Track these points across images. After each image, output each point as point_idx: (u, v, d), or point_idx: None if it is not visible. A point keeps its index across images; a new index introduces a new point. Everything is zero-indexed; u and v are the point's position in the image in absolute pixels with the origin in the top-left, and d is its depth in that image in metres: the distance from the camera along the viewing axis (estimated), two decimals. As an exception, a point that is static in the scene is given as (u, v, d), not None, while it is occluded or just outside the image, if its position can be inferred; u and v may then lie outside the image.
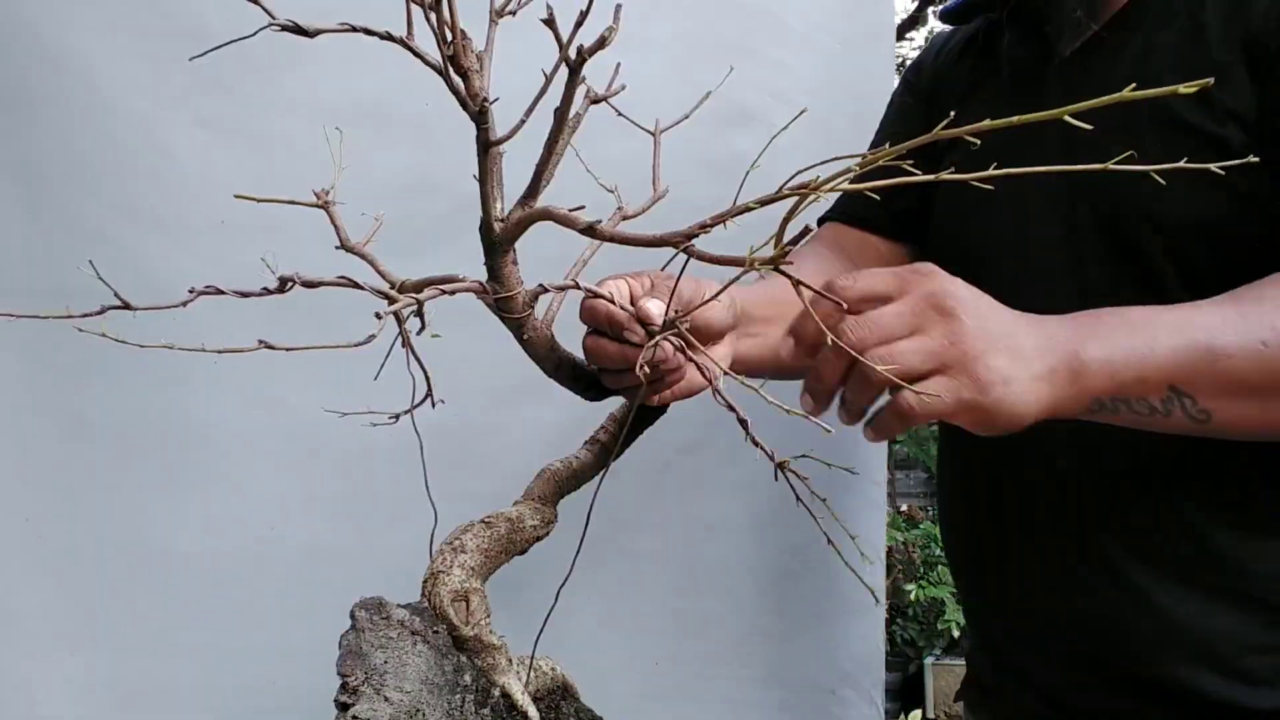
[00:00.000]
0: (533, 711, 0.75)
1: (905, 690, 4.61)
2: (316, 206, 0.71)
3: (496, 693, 0.74)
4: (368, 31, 0.55)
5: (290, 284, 0.63)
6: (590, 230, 0.58)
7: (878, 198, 1.05)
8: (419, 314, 0.72)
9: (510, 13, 0.62)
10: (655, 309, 0.73)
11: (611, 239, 0.60)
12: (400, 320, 0.72)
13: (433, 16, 0.55)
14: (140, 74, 1.37)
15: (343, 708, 0.66)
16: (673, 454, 1.50)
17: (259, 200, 0.64)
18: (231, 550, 1.41)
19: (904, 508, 5.37)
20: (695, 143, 1.40)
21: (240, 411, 1.41)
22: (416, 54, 0.56)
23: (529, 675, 0.80)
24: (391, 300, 0.65)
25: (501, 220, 0.64)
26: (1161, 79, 0.84)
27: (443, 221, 1.39)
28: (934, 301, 0.68)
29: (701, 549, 1.54)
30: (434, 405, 0.79)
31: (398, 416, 0.82)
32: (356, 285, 0.66)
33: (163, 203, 1.38)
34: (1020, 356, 0.68)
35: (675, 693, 1.50)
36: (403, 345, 0.74)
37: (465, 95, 0.57)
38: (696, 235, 0.56)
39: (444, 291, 0.67)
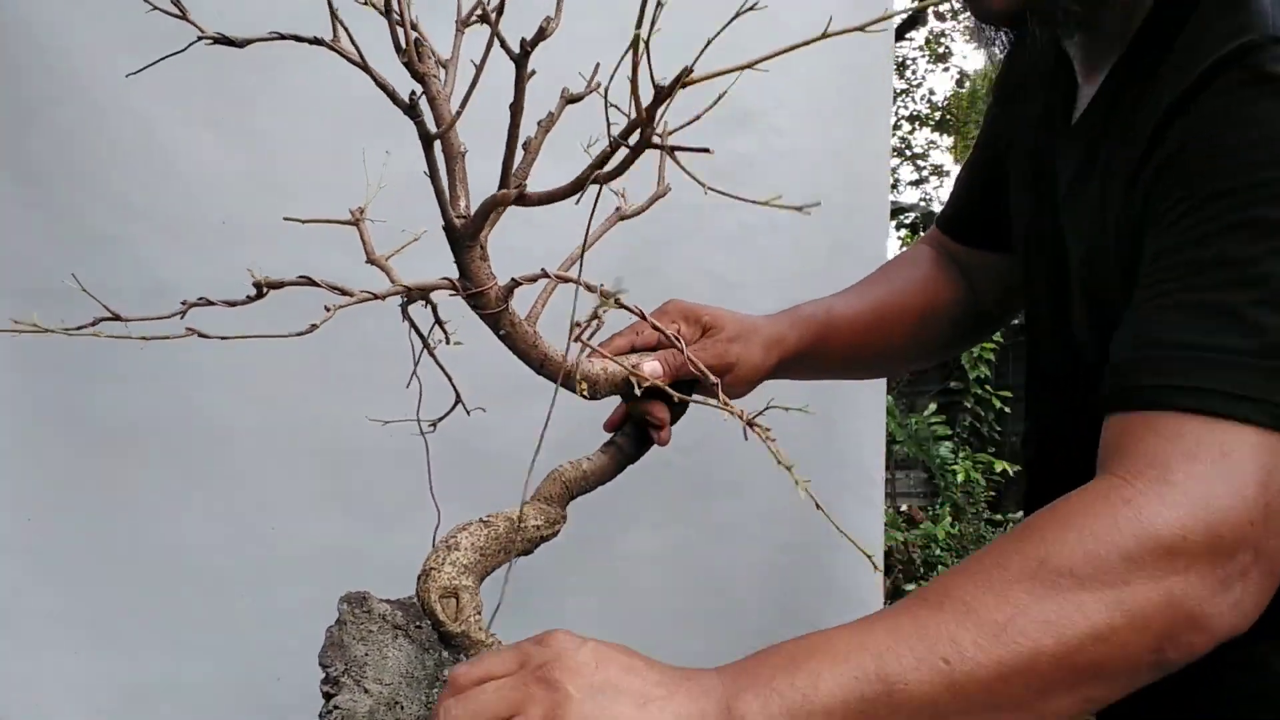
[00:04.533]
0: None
1: (905, 690, 4.61)
2: (350, 224, 0.73)
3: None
4: (296, 38, 0.57)
5: (264, 289, 0.65)
6: (522, 199, 0.61)
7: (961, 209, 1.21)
8: (439, 322, 0.74)
9: (476, 20, 0.64)
10: (649, 369, 0.86)
11: (539, 201, 0.62)
12: (416, 326, 0.73)
13: (394, 29, 0.57)
14: (140, 74, 1.37)
15: (327, 697, 0.69)
16: (671, 454, 1.50)
17: (304, 221, 0.66)
18: (234, 549, 1.41)
19: (904, 508, 5.38)
20: (694, 143, 1.41)
21: (243, 411, 1.42)
22: (343, 55, 0.57)
23: None
24: (360, 296, 0.67)
25: (463, 216, 0.65)
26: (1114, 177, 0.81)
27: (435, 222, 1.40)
28: (541, 674, 0.62)
29: (700, 549, 1.54)
30: (469, 412, 0.80)
31: (435, 424, 0.83)
32: (314, 283, 0.67)
33: (163, 203, 1.38)
34: None
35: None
36: (428, 353, 0.75)
37: (392, 91, 0.58)
38: (611, 173, 0.58)
39: (408, 290, 0.68)
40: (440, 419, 0.82)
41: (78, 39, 1.35)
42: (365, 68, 0.58)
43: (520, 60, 0.54)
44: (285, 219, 0.65)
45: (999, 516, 4.91)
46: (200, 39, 0.57)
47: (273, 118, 1.41)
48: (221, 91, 1.39)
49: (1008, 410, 5.25)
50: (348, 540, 1.42)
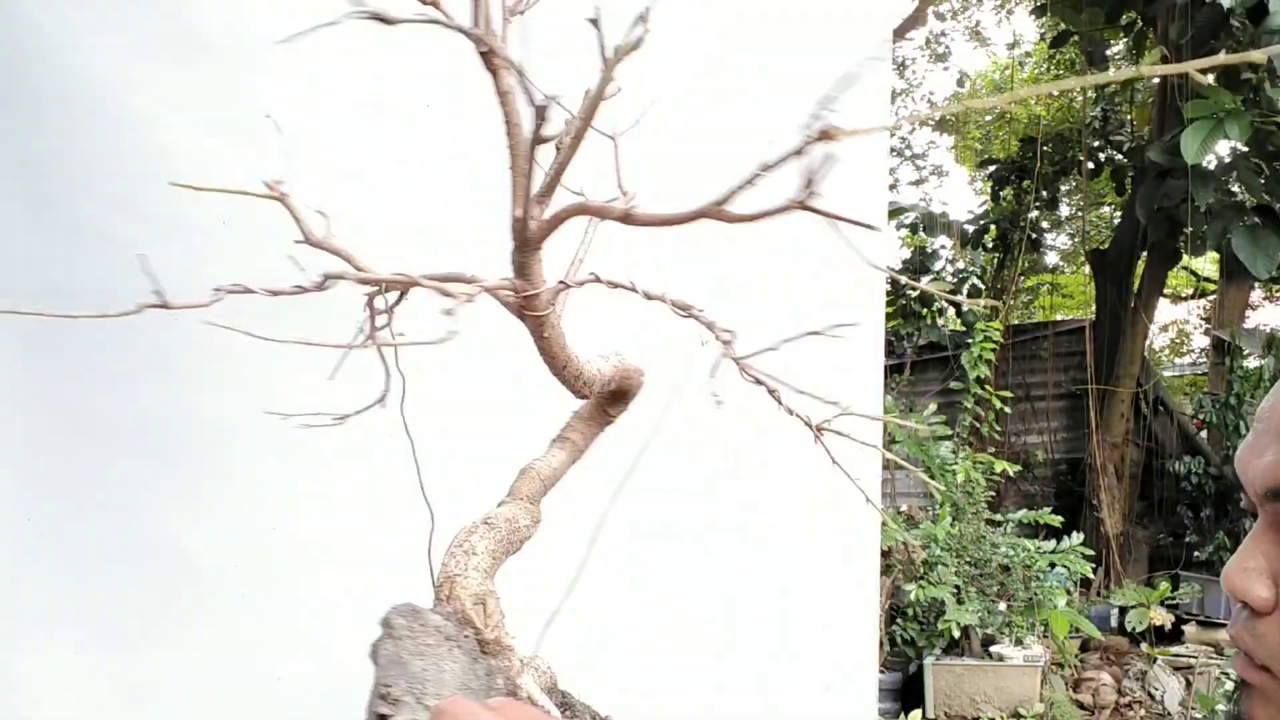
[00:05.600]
0: (554, 710, 0.75)
1: (905, 690, 4.62)
2: (270, 198, 0.64)
3: (524, 695, 0.74)
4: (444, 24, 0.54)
5: (330, 282, 0.62)
6: (627, 217, 0.59)
7: None
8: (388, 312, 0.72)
9: (519, 12, 0.62)
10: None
11: (647, 223, 0.60)
12: (374, 320, 0.72)
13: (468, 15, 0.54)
14: (140, 74, 1.37)
15: (382, 718, 0.65)
16: (670, 456, 1.50)
17: (200, 189, 0.61)
18: (233, 548, 1.41)
19: (904, 508, 5.38)
20: (693, 142, 1.41)
21: (242, 411, 1.42)
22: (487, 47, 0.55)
23: (535, 675, 0.80)
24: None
25: (536, 218, 0.63)
26: None
27: (436, 224, 1.40)
28: None
29: (699, 550, 1.54)
30: (383, 405, 0.79)
31: (344, 418, 0.82)
32: (414, 283, 0.65)
33: (163, 203, 1.38)
34: None
35: (673, 689, 1.51)
36: (370, 342, 0.73)
37: (529, 90, 0.55)
38: (726, 200, 0.56)
39: (486, 290, 0.66)
40: (353, 414, 0.81)
41: (79, 39, 1.35)
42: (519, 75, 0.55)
43: (608, 69, 0.52)
44: (172, 184, 0.60)
45: (998, 516, 4.91)
46: (353, 14, 0.53)
47: (274, 118, 1.41)
48: (221, 91, 1.39)
49: (1008, 410, 5.25)
50: (346, 539, 1.42)
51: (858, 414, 0.78)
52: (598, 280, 0.73)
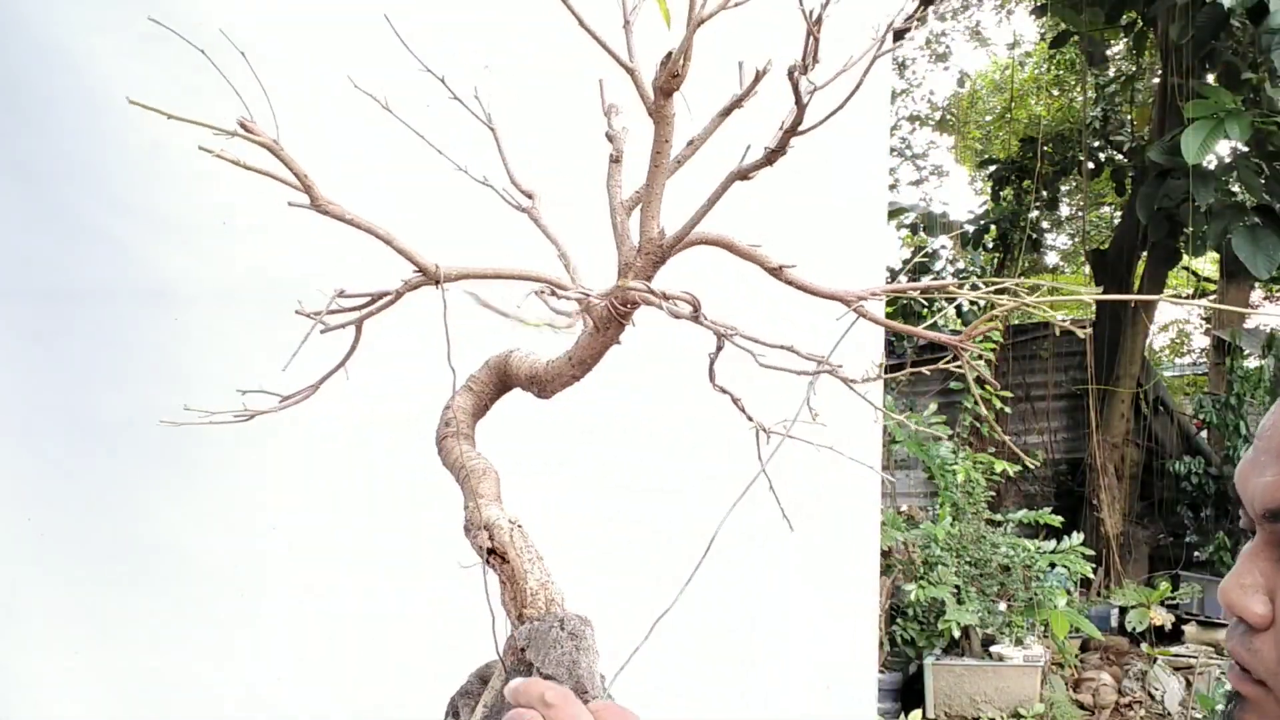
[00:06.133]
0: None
1: (905, 690, 4.62)
2: (259, 144, 0.60)
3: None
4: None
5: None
6: (777, 272, 0.61)
7: None
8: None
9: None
10: None
11: (793, 284, 0.61)
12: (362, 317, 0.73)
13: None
14: (140, 74, 1.37)
15: None
16: (669, 459, 1.50)
17: (170, 116, 0.55)
18: (233, 548, 1.41)
19: (904, 508, 5.38)
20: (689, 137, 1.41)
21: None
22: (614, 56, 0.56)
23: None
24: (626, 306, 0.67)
25: (673, 239, 0.67)
26: None
27: (433, 223, 1.40)
28: None
29: (696, 549, 1.54)
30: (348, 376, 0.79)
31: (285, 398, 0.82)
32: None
33: (163, 203, 1.38)
34: None
35: (672, 690, 1.50)
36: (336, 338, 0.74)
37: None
38: (866, 299, 0.57)
39: (648, 295, 0.69)
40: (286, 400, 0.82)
41: (79, 40, 1.35)
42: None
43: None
44: (130, 101, 0.55)
45: (998, 516, 4.91)
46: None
47: (274, 118, 1.41)
48: (222, 92, 1.39)
49: (1008, 410, 5.25)
50: (346, 538, 1.42)
51: (799, 439, 0.78)
52: (688, 300, 0.75)
